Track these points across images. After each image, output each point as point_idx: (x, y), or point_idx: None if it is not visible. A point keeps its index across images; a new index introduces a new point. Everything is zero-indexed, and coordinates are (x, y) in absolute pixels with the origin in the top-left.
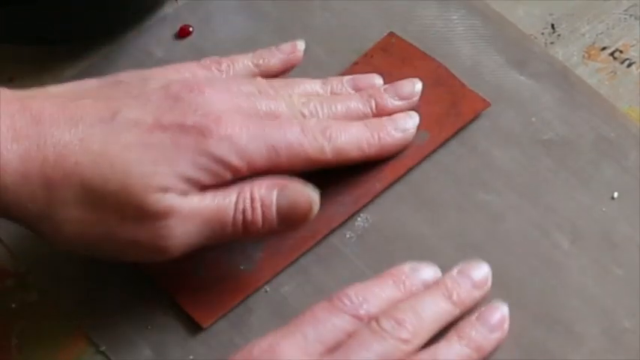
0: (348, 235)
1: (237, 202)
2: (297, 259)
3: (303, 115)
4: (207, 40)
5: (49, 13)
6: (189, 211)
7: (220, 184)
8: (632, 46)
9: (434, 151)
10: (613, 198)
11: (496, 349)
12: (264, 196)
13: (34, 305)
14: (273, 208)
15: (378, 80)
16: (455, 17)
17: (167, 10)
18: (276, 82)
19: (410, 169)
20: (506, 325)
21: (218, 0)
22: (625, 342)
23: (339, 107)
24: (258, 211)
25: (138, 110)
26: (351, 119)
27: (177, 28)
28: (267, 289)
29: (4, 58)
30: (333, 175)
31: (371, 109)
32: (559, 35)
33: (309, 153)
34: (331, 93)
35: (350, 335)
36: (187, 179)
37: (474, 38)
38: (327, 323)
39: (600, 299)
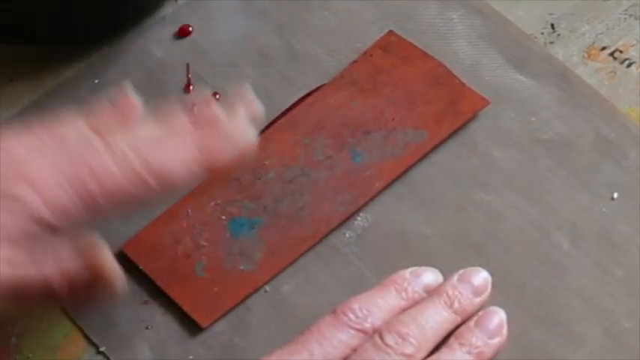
0: (347, 235)
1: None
2: (296, 259)
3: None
4: (207, 40)
5: (49, 13)
6: None
7: None
8: (632, 46)
9: (433, 149)
10: (613, 198)
11: (497, 353)
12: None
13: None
14: (78, 281)
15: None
16: (454, 16)
17: (167, 10)
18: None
19: (409, 168)
20: (504, 330)
21: (218, 0)
22: (625, 342)
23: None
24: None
25: None
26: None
27: (177, 28)
28: (267, 288)
29: (4, 58)
30: (333, 175)
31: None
32: (559, 35)
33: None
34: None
35: (355, 350)
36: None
37: (473, 37)
38: (332, 339)
39: (600, 299)
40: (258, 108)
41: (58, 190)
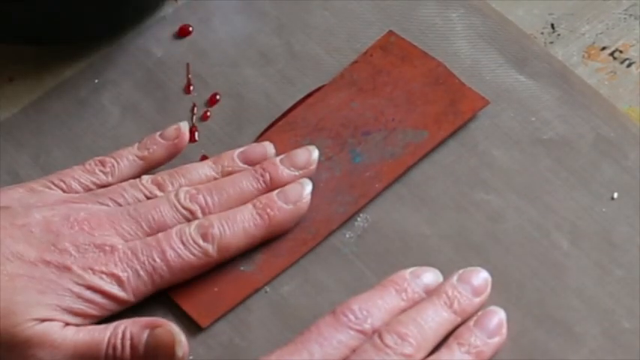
0: (347, 235)
1: (109, 338)
2: (297, 260)
3: (191, 212)
4: (206, 40)
5: (49, 13)
6: (62, 342)
7: (108, 315)
8: (632, 46)
9: (433, 149)
10: (613, 198)
11: (496, 353)
12: (135, 334)
13: None
14: (141, 347)
15: (270, 149)
16: (454, 16)
17: (167, 9)
18: (163, 175)
19: (409, 168)
20: (504, 330)
21: (218, 0)
22: (625, 342)
23: (230, 191)
24: (127, 348)
25: (22, 244)
26: (244, 200)
27: (177, 28)
28: (267, 289)
29: (4, 58)
30: (333, 176)
31: (265, 183)
32: (559, 35)
33: (193, 263)
34: (222, 173)
35: (355, 351)
36: (72, 311)
37: (473, 37)
38: (332, 340)
39: (600, 300)
40: (313, 160)
41: (137, 279)
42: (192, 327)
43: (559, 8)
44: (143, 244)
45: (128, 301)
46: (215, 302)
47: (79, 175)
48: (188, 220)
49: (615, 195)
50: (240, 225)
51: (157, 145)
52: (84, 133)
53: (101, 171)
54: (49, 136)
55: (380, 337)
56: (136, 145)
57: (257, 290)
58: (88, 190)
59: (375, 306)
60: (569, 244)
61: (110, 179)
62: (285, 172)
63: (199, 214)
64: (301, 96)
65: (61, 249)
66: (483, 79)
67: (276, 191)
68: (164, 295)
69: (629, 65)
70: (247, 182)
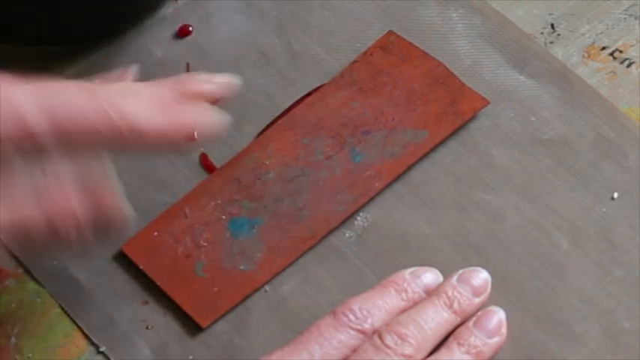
0: (347, 235)
1: None
2: (296, 259)
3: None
4: (207, 40)
5: (49, 13)
6: None
7: None
8: (632, 46)
9: (433, 149)
10: (613, 198)
11: (496, 353)
12: None
13: (33, 305)
14: None
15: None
16: (454, 16)
17: (167, 9)
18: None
19: (409, 168)
20: (504, 330)
21: (218, 0)
22: (625, 342)
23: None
24: None
25: None
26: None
27: (177, 28)
28: (267, 289)
29: (4, 58)
30: (332, 175)
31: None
32: (559, 35)
33: None
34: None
35: (354, 351)
36: None
37: (473, 37)
38: (332, 340)
39: (600, 300)
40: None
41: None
42: (192, 327)
43: (559, 8)
44: None
45: None
46: (215, 302)
47: None
48: None
49: (615, 195)
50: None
51: None
52: None
53: None
54: None
55: (380, 337)
56: None
57: (257, 290)
58: None
59: (375, 306)
60: (569, 244)
61: None
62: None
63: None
64: (301, 95)
65: None
66: (483, 79)
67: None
68: (164, 295)
69: (629, 65)
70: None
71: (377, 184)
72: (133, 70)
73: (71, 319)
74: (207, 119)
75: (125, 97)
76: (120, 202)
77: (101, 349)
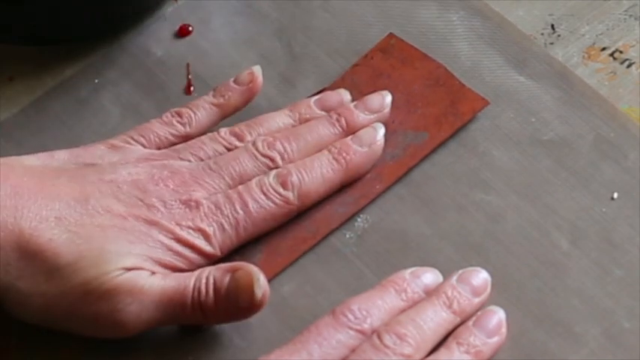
0: (347, 236)
1: (195, 282)
2: (296, 259)
3: (271, 159)
4: (206, 40)
5: (49, 13)
6: (149, 288)
7: (195, 269)
8: (632, 46)
9: (433, 150)
10: (613, 198)
11: (496, 353)
12: (218, 278)
13: None
14: (223, 290)
15: (346, 96)
16: (455, 18)
17: (167, 9)
18: (241, 126)
19: (410, 170)
20: (503, 330)
21: (218, 0)
22: (625, 342)
23: (308, 138)
24: (211, 291)
25: (111, 199)
26: (322, 146)
27: (177, 28)
28: None
29: (4, 58)
30: None
31: (342, 127)
32: (559, 36)
33: (274, 213)
34: (299, 120)
35: (354, 351)
36: (162, 263)
37: (473, 39)
38: (331, 340)
39: (600, 300)
40: (387, 104)
41: (222, 233)
42: (192, 327)
43: (559, 9)
44: (225, 198)
45: (215, 256)
46: None
47: (157, 129)
48: (269, 169)
49: (615, 195)
50: (318, 171)
51: (231, 92)
52: (84, 133)
53: (179, 122)
54: (49, 136)
55: (379, 337)
56: (211, 93)
57: None
58: (168, 143)
59: (375, 306)
60: (569, 244)
61: (188, 129)
62: (360, 116)
63: (279, 161)
64: (301, 98)
65: (149, 204)
66: (483, 81)
67: (350, 136)
68: None
69: (629, 66)
70: (324, 128)
71: (378, 187)
72: (258, 72)
73: None
74: (373, 147)
75: (296, 174)
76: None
77: (101, 349)
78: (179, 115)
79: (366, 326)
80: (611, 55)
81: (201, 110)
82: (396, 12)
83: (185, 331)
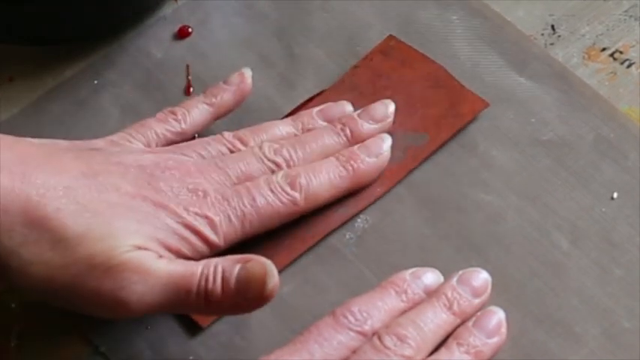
0: (347, 236)
1: (202, 270)
2: (296, 260)
3: (277, 164)
4: (206, 41)
5: (49, 13)
6: (156, 270)
7: (199, 258)
8: (632, 46)
9: (434, 152)
10: (613, 198)
11: (496, 353)
12: (227, 267)
13: (34, 305)
14: (232, 280)
15: (348, 107)
16: (454, 18)
17: (166, 10)
18: (244, 131)
19: (410, 171)
20: (503, 330)
21: (217, 0)
22: (625, 342)
23: (313, 146)
24: (219, 281)
25: (119, 178)
26: (327, 155)
27: (177, 29)
28: None
29: (4, 58)
30: None
31: (346, 137)
32: (559, 36)
33: (280, 211)
34: (303, 130)
35: (354, 352)
36: (167, 246)
37: (473, 39)
38: (332, 341)
39: (600, 299)
40: (390, 113)
41: (228, 224)
42: (192, 327)
43: (559, 9)
44: (233, 191)
45: (219, 246)
46: None
47: (154, 126)
48: (274, 172)
49: (615, 195)
50: (325, 176)
51: (222, 92)
52: (83, 133)
53: (174, 119)
54: (48, 136)
55: (379, 338)
56: (202, 94)
57: None
58: (165, 140)
59: (375, 307)
60: (569, 244)
61: (184, 126)
62: (364, 125)
63: (284, 167)
64: (301, 99)
65: (157, 188)
66: (483, 81)
67: (357, 145)
68: None
69: (629, 66)
70: (329, 137)
71: (378, 189)
72: (247, 74)
73: (71, 319)
74: (381, 158)
75: (305, 176)
76: (268, 263)
77: (101, 349)
78: (173, 113)
79: (366, 328)
80: (611, 55)
81: (194, 109)
82: (395, 13)
83: (185, 331)
